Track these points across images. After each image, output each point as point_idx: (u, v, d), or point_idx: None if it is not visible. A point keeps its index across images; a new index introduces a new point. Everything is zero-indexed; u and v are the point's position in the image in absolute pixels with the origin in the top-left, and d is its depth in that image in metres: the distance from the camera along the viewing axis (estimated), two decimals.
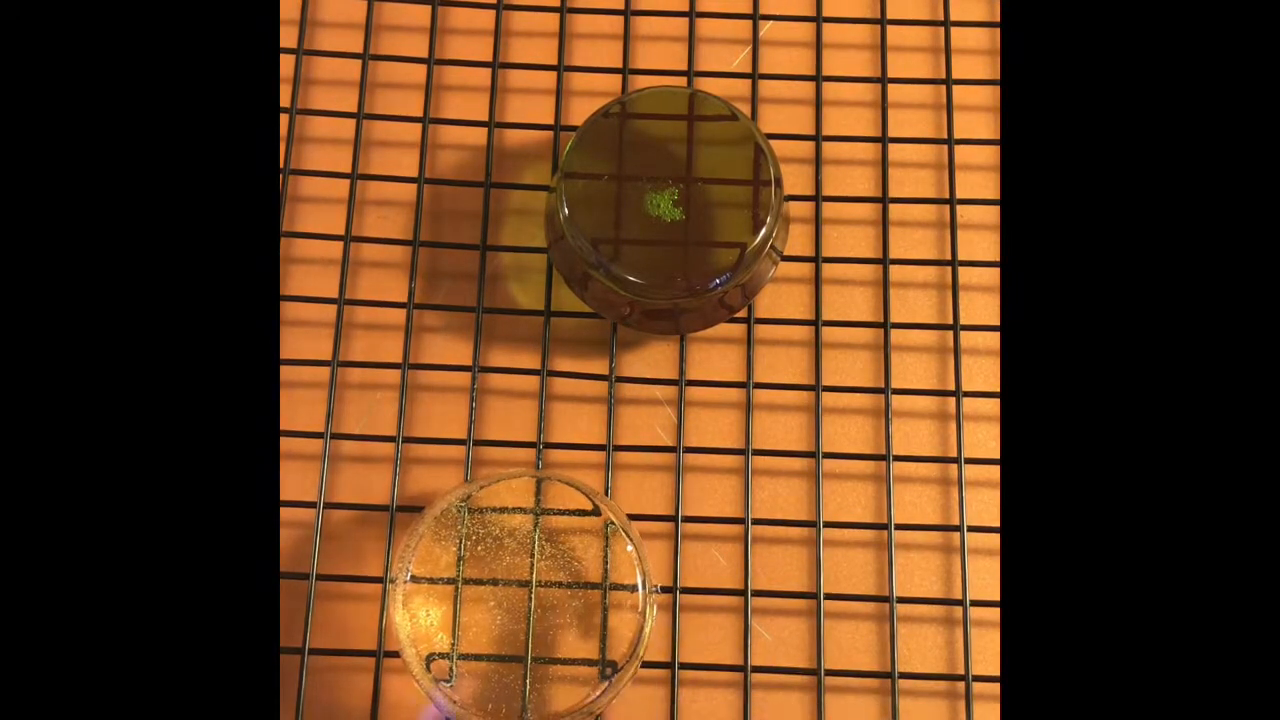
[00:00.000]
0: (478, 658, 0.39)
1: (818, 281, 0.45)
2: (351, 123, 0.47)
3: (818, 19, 0.49)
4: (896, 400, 0.44)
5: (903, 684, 0.41)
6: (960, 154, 0.47)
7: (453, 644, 0.39)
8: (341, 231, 0.45)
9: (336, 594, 0.42)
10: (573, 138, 0.44)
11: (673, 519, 0.43)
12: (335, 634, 0.42)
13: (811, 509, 0.43)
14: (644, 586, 0.39)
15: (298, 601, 0.41)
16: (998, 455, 0.44)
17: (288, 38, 0.48)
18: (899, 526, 0.43)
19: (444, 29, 0.49)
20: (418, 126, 0.47)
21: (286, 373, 0.44)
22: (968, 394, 0.44)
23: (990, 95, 0.48)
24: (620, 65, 0.48)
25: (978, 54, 0.49)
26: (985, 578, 0.42)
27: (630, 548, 0.39)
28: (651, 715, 0.41)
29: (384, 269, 0.46)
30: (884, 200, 0.46)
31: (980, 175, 0.47)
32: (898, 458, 0.44)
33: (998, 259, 0.46)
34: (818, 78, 0.48)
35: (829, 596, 0.42)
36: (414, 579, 0.39)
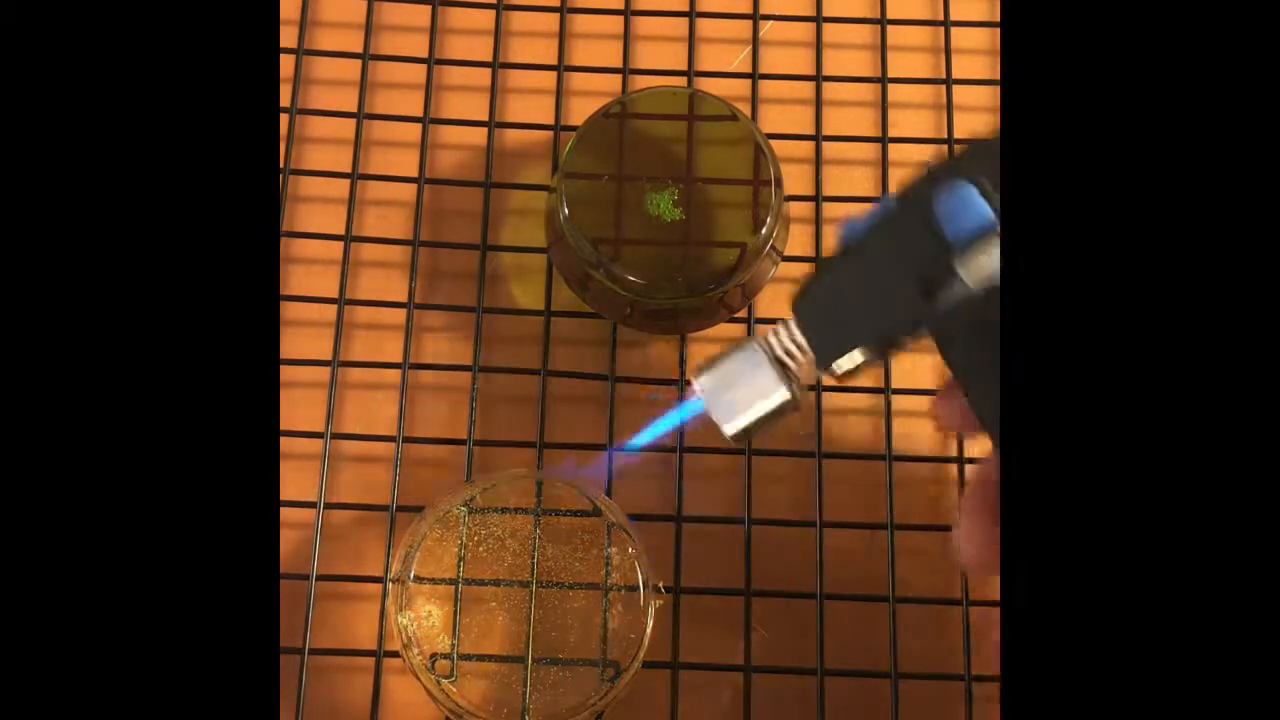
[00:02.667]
0: (479, 658, 0.39)
1: None
2: (351, 123, 0.47)
3: (818, 19, 0.49)
4: (896, 400, 0.44)
5: (903, 684, 0.41)
6: None
7: (454, 644, 0.39)
8: (341, 231, 0.45)
9: (336, 594, 0.42)
10: (573, 138, 0.43)
11: (673, 519, 0.43)
12: (335, 634, 0.42)
13: (811, 509, 0.43)
14: (644, 587, 0.39)
15: (298, 601, 0.41)
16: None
17: (288, 38, 0.48)
18: (899, 526, 0.43)
19: (444, 29, 0.49)
20: (418, 126, 0.47)
21: (286, 373, 0.44)
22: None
23: (990, 95, 0.48)
24: (620, 65, 0.48)
25: (978, 54, 0.49)
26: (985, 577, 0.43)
27: (631, 548, 0.39)
28: (651, 715, 0.41)
29: (384, 269, 0.46)
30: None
31: None
32: (898, 458, 0.44)
33: None
34: (818, 78, 0.48)
35: (829, 596, 0.42)
36: (417, 579, 0.39)
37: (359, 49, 0.48)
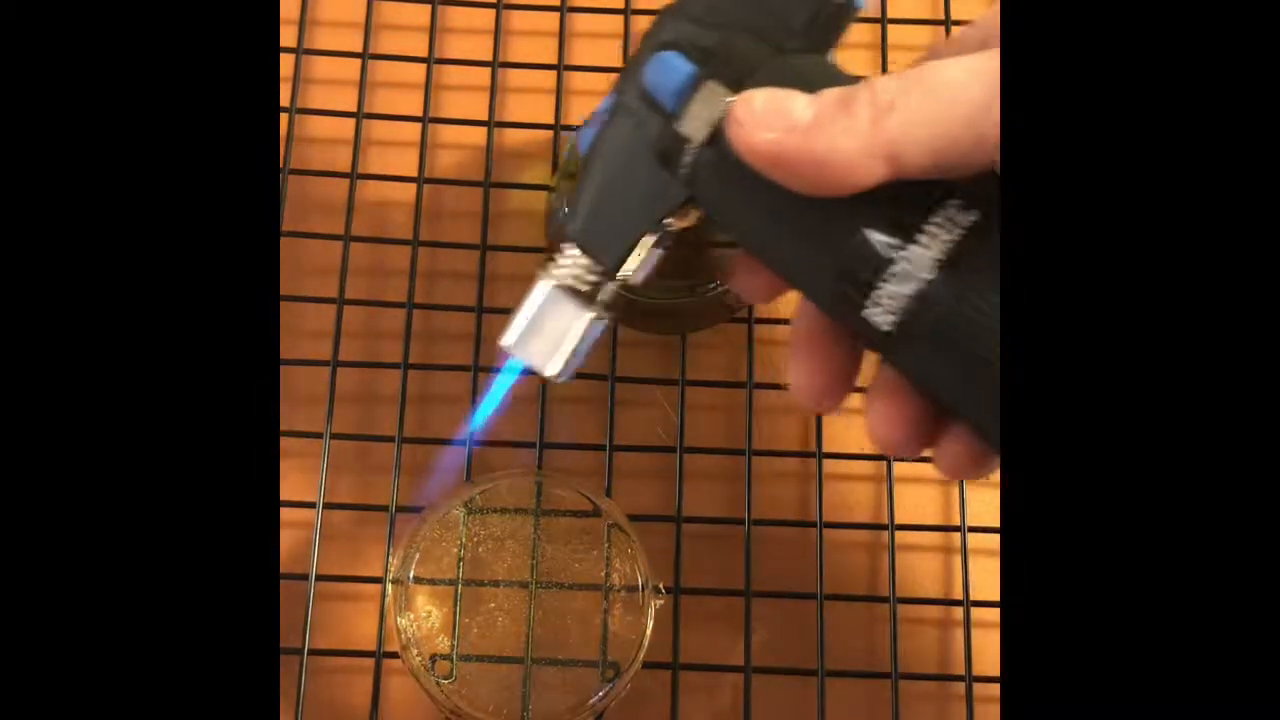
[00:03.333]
0: (479, 659, 0.39)
1: None
2: (351, 122, 0.47)
3: None
4: None
5: (903, 684, 0.41)
6: None
7: (453, 645, 0.39)
8: (341, 230, 0.45)
9: (336, 594, 0.42)
10: (572, 137, 0.43)
11: (673, 519, 0.43)
12: (335, 634, 0.42)
13: (811, 509, 0.43)
14: (644, 587, 0.39)
15: (298, 601, 0.41)
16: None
17: (288, 37, 0.48)
18: (899, 527, 0.43)
19: (443, 28, 0.49)
20: (417, 126, 0.47)
21: (286, 373, 0.44)
22: None
23: None
24: (620, 65, 0.48)
25: None
26: (985, 578, 0.42)
27: (631, 548, 0.39)
28: (651, 715, 0.41)
29: (383, 269, 0.46)
30: None
31: None
32: (898, 458, 0.44)
33: None
34: None
35: (829, 596, 0.42)
36: (416, 580, 0.39)
37: (359, 48, 0.48)
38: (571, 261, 0.32)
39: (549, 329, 0.32)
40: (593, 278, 0.32)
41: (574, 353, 0.32)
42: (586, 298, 0.32)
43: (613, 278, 0.32)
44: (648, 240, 0.32)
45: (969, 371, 0.28)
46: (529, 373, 0.33)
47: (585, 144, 0.32)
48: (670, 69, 0.30)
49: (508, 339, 0.32)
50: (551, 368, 0.32)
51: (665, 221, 0.31)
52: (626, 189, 0.31)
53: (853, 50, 0.49)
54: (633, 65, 0.31)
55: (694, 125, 0.30)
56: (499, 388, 0.36)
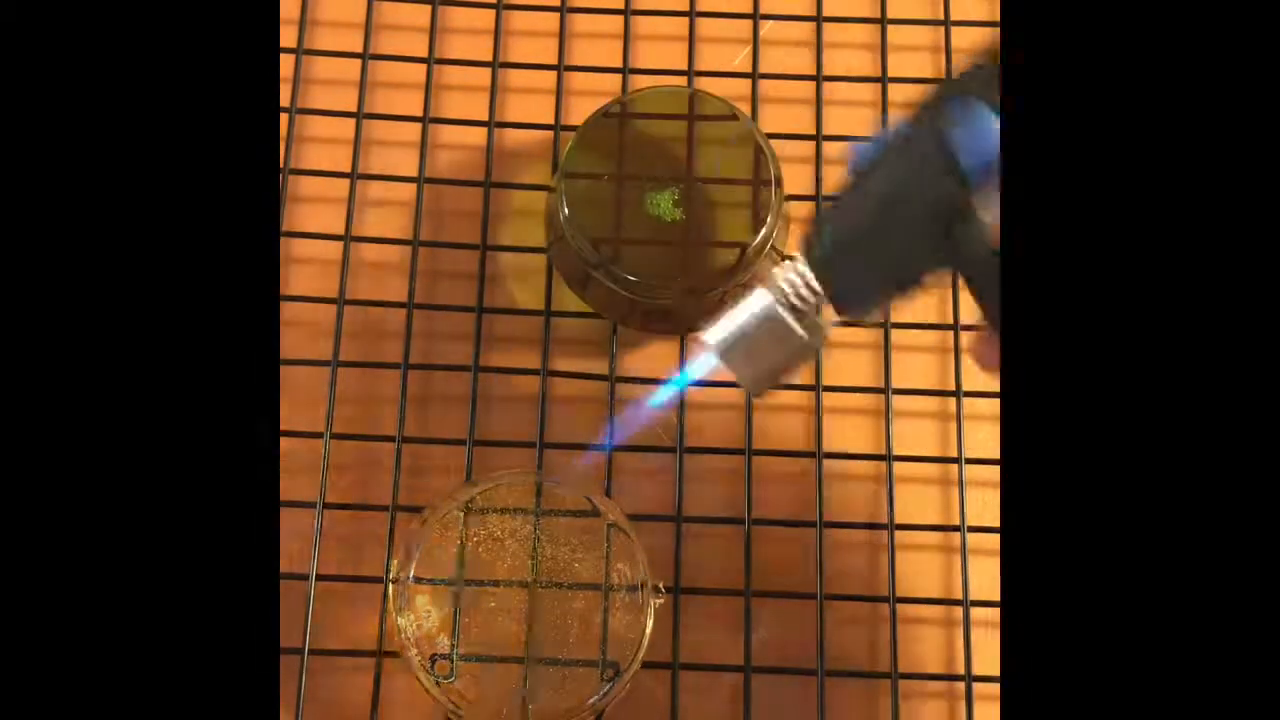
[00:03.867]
0: (479, 659, 0.39)
1: None
2: (351, 122, 0.47)
3: (818, 19, 0.49)
4: (897, 400, 0.44)
5: (903, 684, 0.41)
6: None
7: (454, 644, 0.39)
8: (341, 231, 0.45)
9: (336, 594, 0.42)
10: (573, 138, 0.43)
11: (673, 519, 0.43)
12: (335, 634, 0.42)
13: (811, 509, 0.43)
14: (644, 586, 0.39)
15: (298, 601, 0.41)
16: (998, 455, 0.44)
17: (288, 37, 0.48)
18: (899, 526, 0.43)
19: (444, 28, 0.49)
20: (417, 126, 0.47)
21: (286, 373, 0.44)
22: (968, 394, 0.44)
23: None
24: (620, 65, 0.48)
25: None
26: (985, 578, 0.42)
27: (631, 548, 0.39)
28: (651, 715, 0.41)
29: (384, 269, 0.46)
30: None
31: None
32: (898, 458, 0.44)
33: None
34: (818, 78, 0.48)
35: (829, 596, 0.42)
36: (416, 579, 0.39)
37: (359, 49, 0.48)
38: (800, 277, 0.30)
39: (759, 343, 0.30)
40: (816, 301, 0.30)
41: (778, 373, 0.30)
42: (799, 317, 0.30)
43: (843, 314, 0.30)
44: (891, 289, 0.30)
45: None
46: (712, 372, 0.32)
47: (860, 161, 0.29)
48: (983, 132, 0.28)
49: (711, 337, 0.30)
50: (752, 382, 0.31)
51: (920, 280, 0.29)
52: (890, 236, 0.29)
53: (852, 50, 0.49)
54: (936, 109, 0.28)
55: (992, 204, 0.27)
56: (679, 380, 0.34)
